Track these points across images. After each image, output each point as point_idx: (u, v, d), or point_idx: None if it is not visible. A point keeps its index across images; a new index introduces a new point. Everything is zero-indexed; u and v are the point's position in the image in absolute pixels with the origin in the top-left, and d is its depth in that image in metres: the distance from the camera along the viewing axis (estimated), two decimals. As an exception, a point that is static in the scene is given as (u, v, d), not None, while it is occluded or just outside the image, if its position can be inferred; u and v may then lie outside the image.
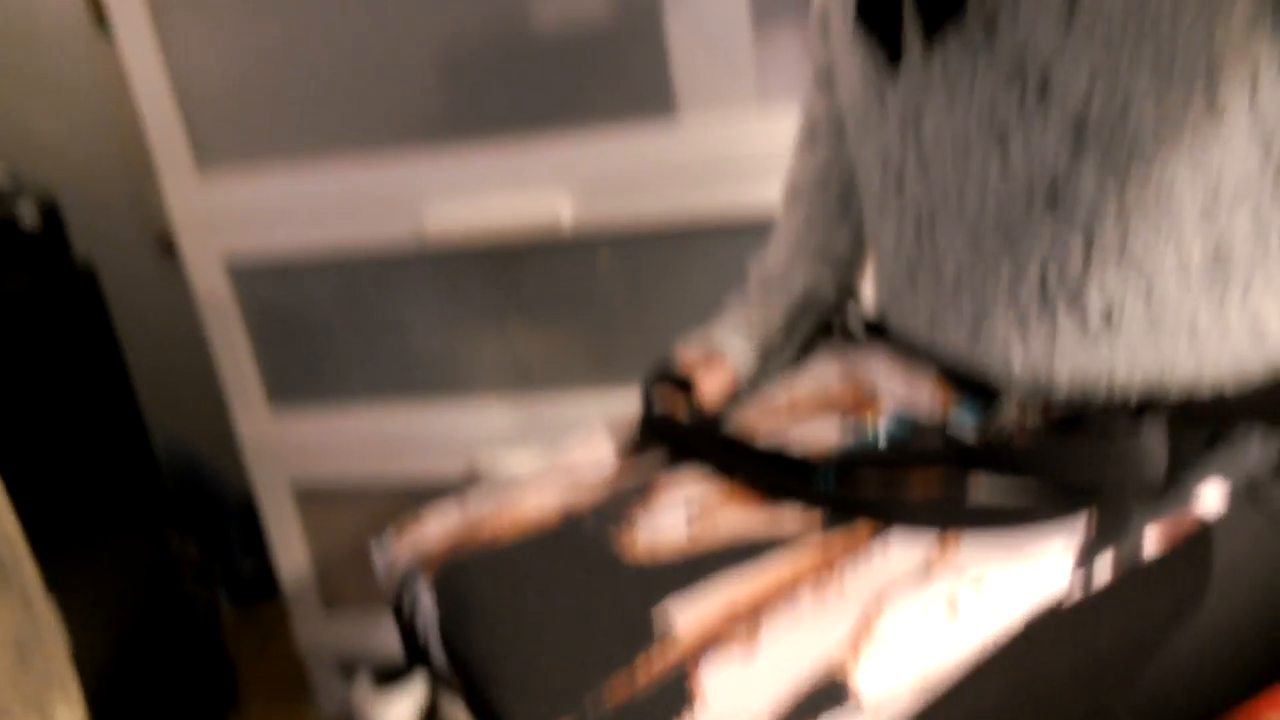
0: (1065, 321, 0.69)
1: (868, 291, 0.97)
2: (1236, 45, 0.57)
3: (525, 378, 1.62)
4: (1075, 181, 0.65)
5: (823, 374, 0.93)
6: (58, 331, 1.60)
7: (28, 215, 1.63)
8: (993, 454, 0.67)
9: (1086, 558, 0.62)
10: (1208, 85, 0.59)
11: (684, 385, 0.95)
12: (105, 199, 2.04)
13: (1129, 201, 0.63)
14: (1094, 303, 0.68)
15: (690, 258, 1.48)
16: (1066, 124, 0.64)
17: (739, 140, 1.40)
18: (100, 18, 1.93)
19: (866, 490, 0.72)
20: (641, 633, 0.63)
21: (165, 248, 2.06)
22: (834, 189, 0.97)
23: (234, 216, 1.60)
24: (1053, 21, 0.62)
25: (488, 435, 1.64)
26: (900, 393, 0.84)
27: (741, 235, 1.42)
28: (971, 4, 0.66)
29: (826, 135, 0.96)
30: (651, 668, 0.60)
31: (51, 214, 1.66)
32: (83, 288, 1.63)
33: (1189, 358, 0.67)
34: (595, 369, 1.58)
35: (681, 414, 0.89)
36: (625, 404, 1.32)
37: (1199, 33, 0.58)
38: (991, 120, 0.68)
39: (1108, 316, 0.68)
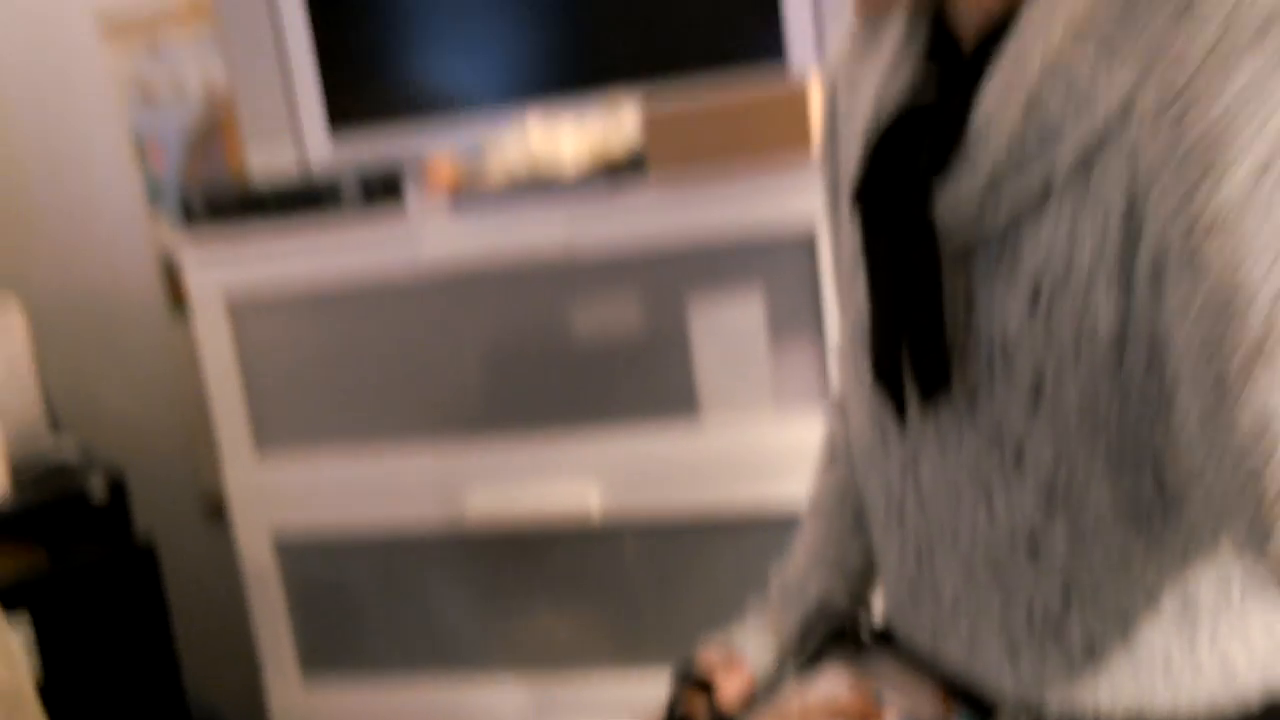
0: (1051, 651, 0.77)
1: (878, 601, 1.06)
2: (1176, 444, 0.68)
3: (550, 659, 1.68)
4: (1050, 537, 0.75)
5: (834, 682, 1.01)
6: (116, 601, 1.69)
7: (97, 489, 1.76)
8: None
9: None
10: (1155, 474, 0.69)
11: (705, 686, 1.02)
12: (164, 470, 2.16)
13: (1096, 562, 0.73)
14: (1076, 638, 0.76)
15: (711, 548, 1.57)
16: (1040, 489, 0.74)
17: (756, 441, 1.52)
18: (177, 301, 2.12)
19: None
20: None
21: (213, 514, 2.17)
22: (850, 506, 1.07)
23: (285, 495, 1.71)
24: (1021, 405, 0.73)
25: (513, 714, 1.69)
26: (905, 703, 0.91)
27: (760, 529, 1.52)
28: (955, 379, 0.78)
29: (844, 457, 1.07)
30: None
31: (118, 488, 1.78)
32: (143, 562, 1.74)
33: (1165, 691, 0.74)
34: (618, 653, 1.65)
35: (701, 716, 0.96)
36: (646, 688, 1.39)
37: (1144, 430, 0.69)
38: (978, 475, 0.78)
39: (1089, 651, 0.76)
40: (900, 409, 0.81)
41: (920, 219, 0.74)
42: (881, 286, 0.79)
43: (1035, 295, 0.70)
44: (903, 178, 0.75)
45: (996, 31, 0.73)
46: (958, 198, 0.72)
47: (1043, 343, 0.70)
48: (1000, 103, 0.69)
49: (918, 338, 0.77)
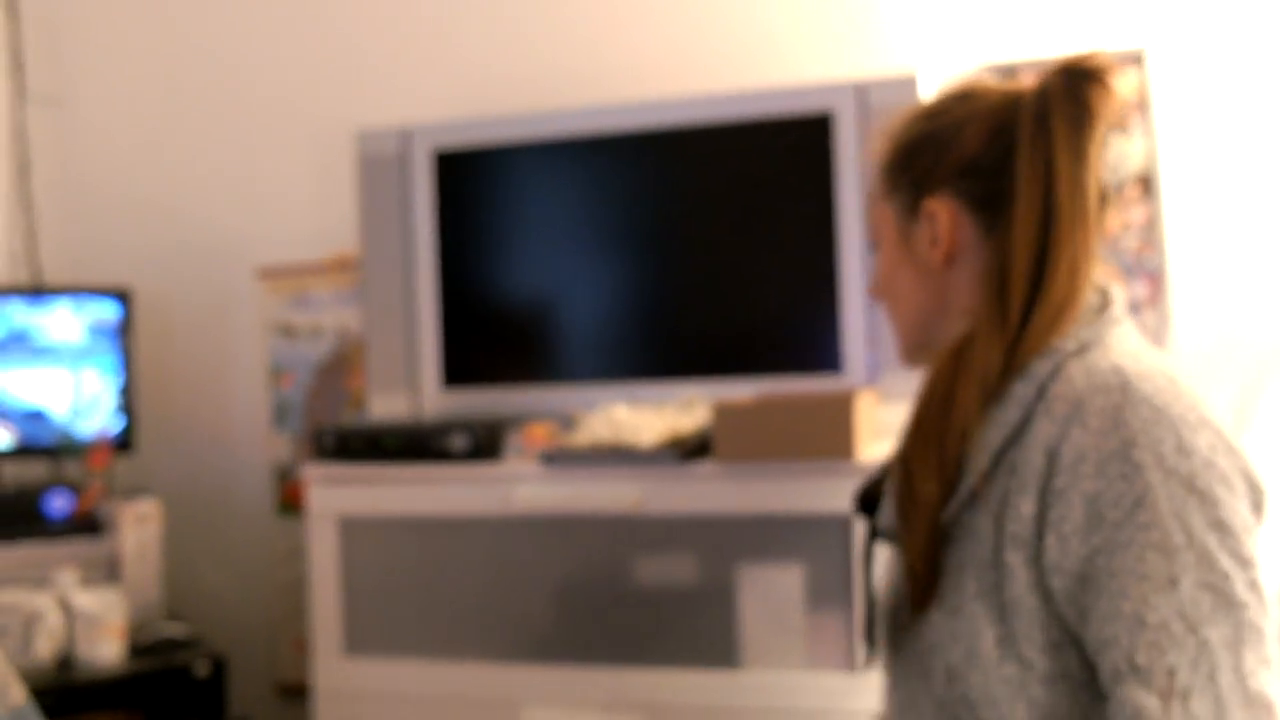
0: None
1: None
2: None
3: None
4: None
5: None
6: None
7: (201, 667, 2.01)
8: None
9: None
10: None
11: None
12: (250, 655, 2.40)
13: None
14: None
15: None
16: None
17: (789, 696, 1.73)
18: (284, 505, 2.40)
19: None
20: None
21: (285, 695, 2.39)
22: None
23: (366, 696, 1.94)
24: (942, 686, 0.96)
25: None
26: None
27: (784, 775, 1.72)
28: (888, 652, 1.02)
29: None
30: None
31: (220, 667, 2.02)
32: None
33: None
34: None
35: None
36: None
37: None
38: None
39: None
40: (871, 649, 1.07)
41: (870, 530, 1.04)
42: (865, 567, 1.07)
43: (944, 605, 0.94)
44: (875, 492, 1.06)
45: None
46: (884, 514, 1.02)
47: (949, 641, 0.94)
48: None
49: (868, 608, 1.05)
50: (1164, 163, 1.98)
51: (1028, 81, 1.02)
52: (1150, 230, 1.98)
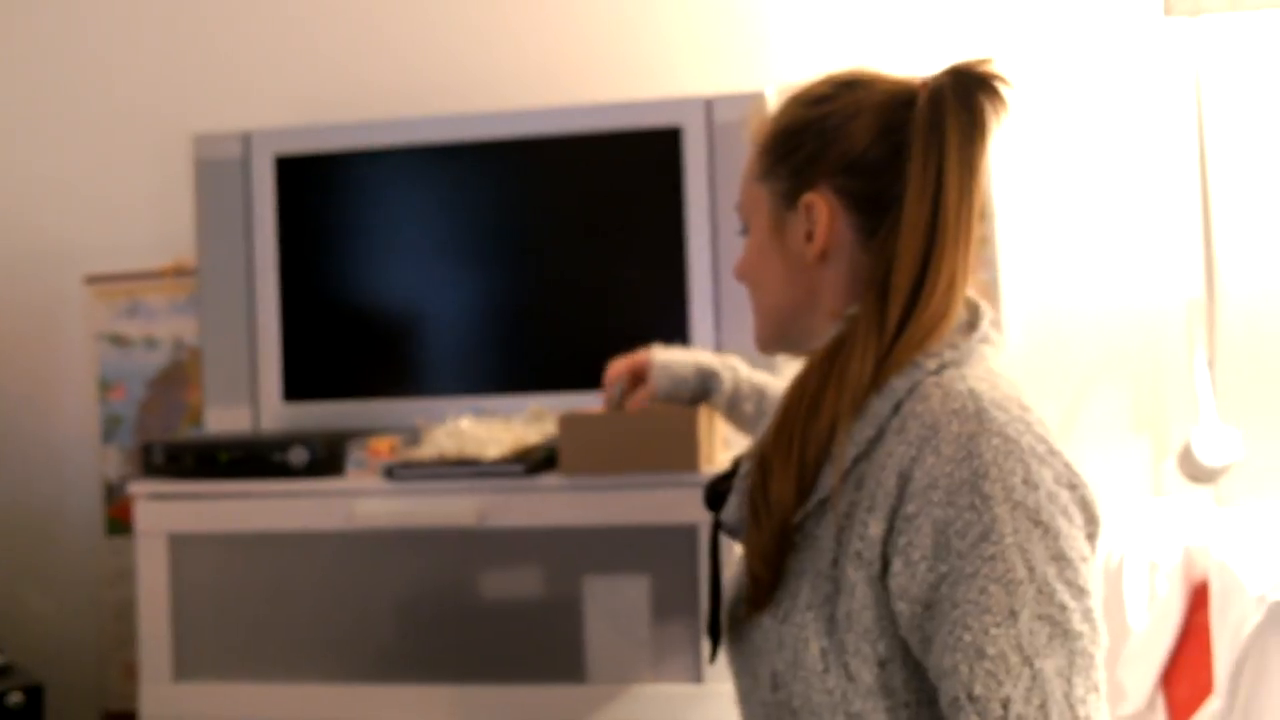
0: None
1: None
2: None
3: None
4: None
5: None
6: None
7: (14, 698, 1.90)
8: None
9: None
10: None
11: None
12: (77, 684, 2.27)
13: None
14: None
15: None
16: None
17: (637, 707, 1.72)
18: (114, 524, 2.28)
19: None
20: None
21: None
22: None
23: (196, 718, 1.85)
24: (768, 688, 0.96)
25: None
26: None
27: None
28: (728, 649, 1.03)
29: None
30: None
31: (34, 697, 1.92)
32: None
33: None
34: None
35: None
36: None
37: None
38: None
39: None
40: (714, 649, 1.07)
41: (714, 524, 1.05)
42: (710, 567, 1.08)
43: (775, 612, 0.95)
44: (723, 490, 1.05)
45: None
46: (730, 513, 1.02)
47: (776, 647, 0.95)
48: (744, 469, 1.00)
49: (711, 609, 1.06)
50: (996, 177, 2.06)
51: (914, 75, 1.00)
52: (982, 245, 2.05)
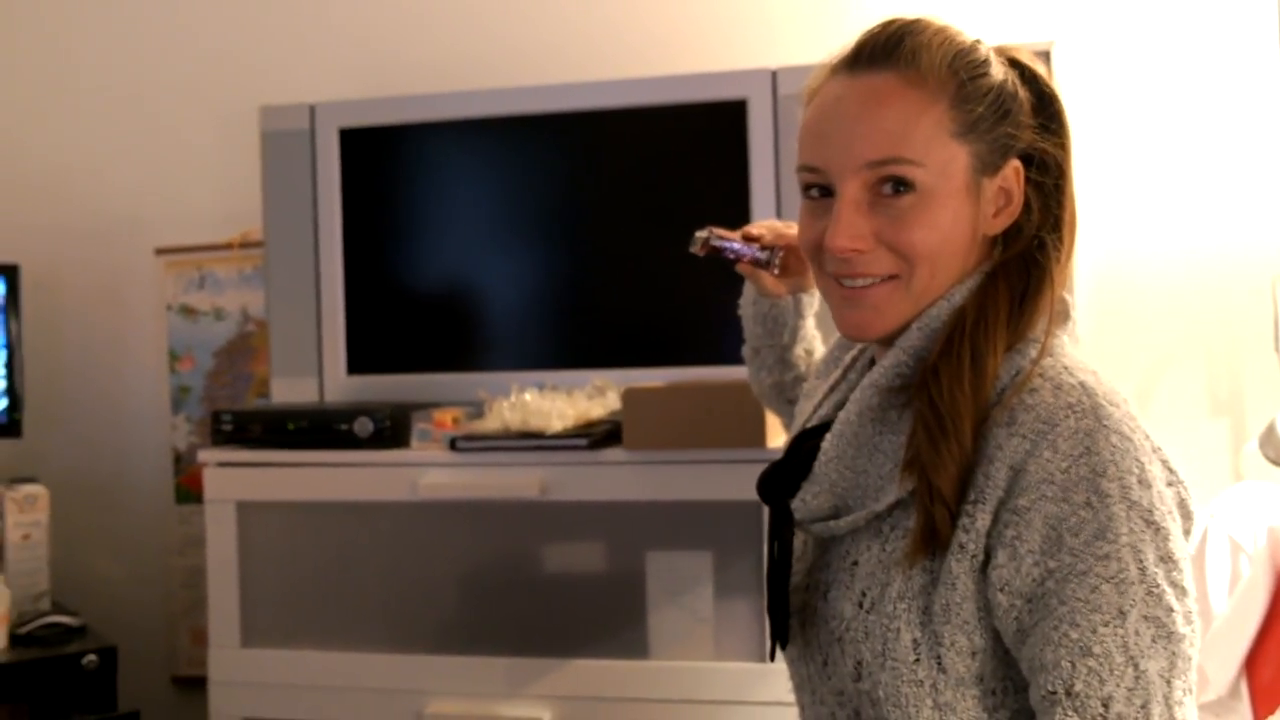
0: None
1: None
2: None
3: None
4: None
5: None
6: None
7: (89, 658, 1.94)
8: None
9: None
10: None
11: None
12: (146, 646, 2.32)
13: None
14: None
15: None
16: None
17: (699, 685, 1.71)
18: (184, 492, 2.32)
19: None
20: None
21: (181, 687, 2.31)
22: None
23: (262, 687, 1.87)
24: (847, 679, 0.94)
25: None
26: None
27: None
28: (801, 641, 0.99)
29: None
30: None
31: (108, 658, 1.96)
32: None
33: None
34: None
35: None
36: None
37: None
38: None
39: None
40: (776, 644, 1.03)
41: (783, 511, 1.00)
42: (770, 555, 1.03)
43: (861, 601, 0.93)
44: (783, 479, 1.01)
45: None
46: (805, 503, 0.98)
47: (862, 637, 0.93)
48: (829, 455, 0.96)
49: (772, 597, 1.01)
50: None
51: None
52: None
